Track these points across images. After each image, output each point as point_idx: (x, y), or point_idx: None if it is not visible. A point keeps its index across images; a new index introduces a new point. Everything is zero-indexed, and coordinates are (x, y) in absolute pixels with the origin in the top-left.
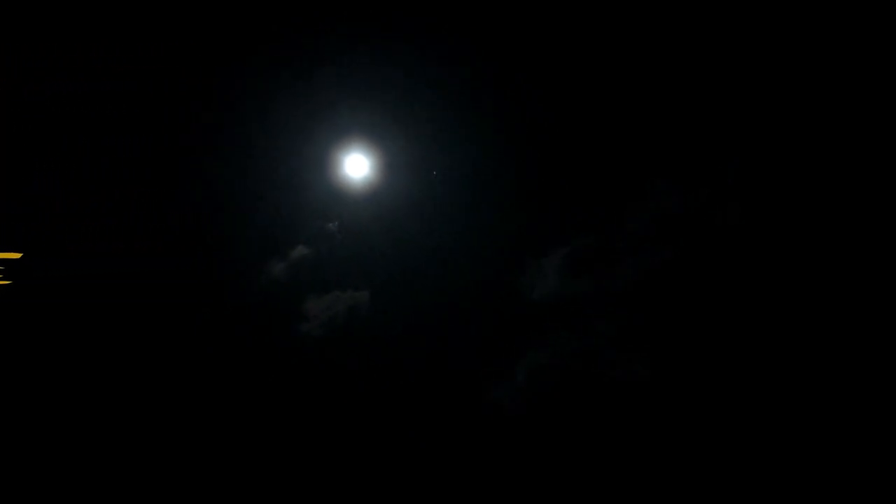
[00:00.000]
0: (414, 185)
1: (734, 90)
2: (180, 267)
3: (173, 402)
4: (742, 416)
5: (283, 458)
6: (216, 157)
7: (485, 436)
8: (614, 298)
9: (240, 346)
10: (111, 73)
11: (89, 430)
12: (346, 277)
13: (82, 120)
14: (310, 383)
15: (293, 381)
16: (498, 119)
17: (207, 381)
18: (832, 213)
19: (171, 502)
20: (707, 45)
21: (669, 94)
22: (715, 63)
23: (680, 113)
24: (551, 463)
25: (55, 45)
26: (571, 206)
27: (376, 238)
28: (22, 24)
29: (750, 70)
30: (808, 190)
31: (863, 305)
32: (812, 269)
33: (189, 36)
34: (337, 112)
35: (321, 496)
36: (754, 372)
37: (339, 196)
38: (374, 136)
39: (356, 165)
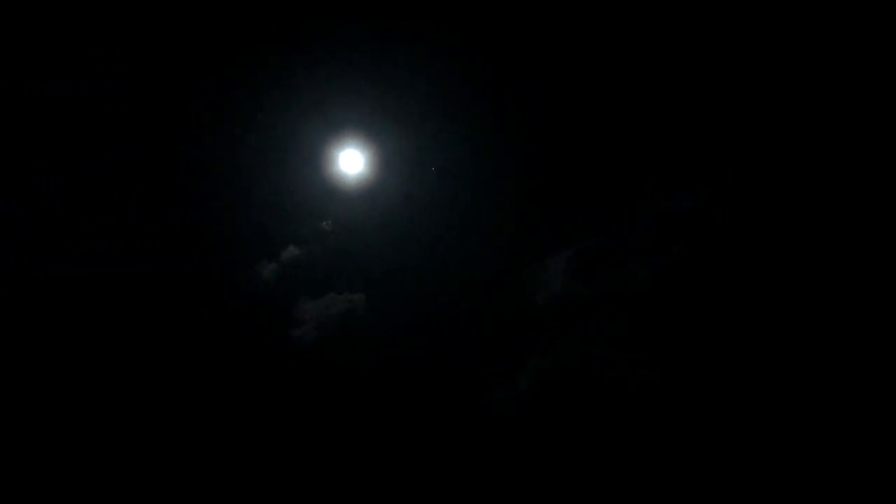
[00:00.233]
0: (413, 183)
1: (734, 90)
2: (170, 267)
3: (171, 401)
4: (747, 418)
5: (282, 458)
6: (205, 152)
7: (486, 437)
8: (616, 300)
9: (236, 349)
10: (109, 73)
11: (89, 430)
12: (342, 279)
13: (82, 120)
14: (309, 383)
15: (293, 381)
16: (500, 119)
17: (204, 383)
18: (833, 213)
19: (169, 502)
20: (710, 47)
21: (669, 94)
22: (716, 65)
23: (680, 113)
24: (551, 463)
25: (55, 45)
26: (573, 207)
27: (373, 237)
28: (22, 24)
29: (750, 71)
30: (808, 190)
31: (865, 305)
32: (813, 269)
33: (179, 37)
34: (330, 104)
35: (321, 496)
36: (759, 373)
37: (332, 193)
38: (371, 131)
39: (351, 161)
